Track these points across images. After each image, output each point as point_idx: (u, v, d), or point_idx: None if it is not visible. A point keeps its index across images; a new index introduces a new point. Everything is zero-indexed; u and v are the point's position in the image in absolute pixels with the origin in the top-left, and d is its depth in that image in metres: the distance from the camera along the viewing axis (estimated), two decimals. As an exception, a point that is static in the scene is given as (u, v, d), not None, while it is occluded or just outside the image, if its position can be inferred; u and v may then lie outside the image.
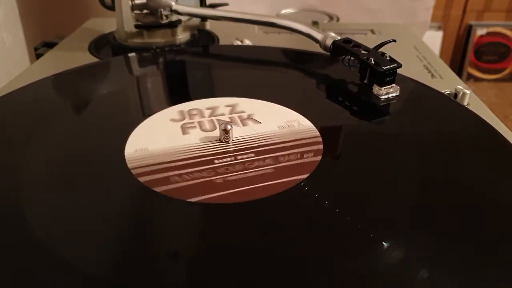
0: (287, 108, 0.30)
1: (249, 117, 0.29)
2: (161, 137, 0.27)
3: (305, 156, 0.24)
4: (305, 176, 0.23)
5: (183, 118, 0.29)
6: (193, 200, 0.21)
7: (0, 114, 0.30)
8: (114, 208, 0.22)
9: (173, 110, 0.30)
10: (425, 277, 0.17)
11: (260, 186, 0.22)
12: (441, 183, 0.23)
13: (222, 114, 0.29)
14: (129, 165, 0.24)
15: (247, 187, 0.22)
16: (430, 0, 0.76)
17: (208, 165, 0.24)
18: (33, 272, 0.18)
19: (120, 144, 0.26)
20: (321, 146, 0.26)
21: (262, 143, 0.26)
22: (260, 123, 0.28)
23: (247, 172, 0.23)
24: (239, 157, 0.25)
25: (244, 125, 0.28)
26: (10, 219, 0.20)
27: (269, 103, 0.31)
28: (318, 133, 0.27)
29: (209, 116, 0.29)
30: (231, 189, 0.22)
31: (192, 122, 0.28)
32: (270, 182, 0.22)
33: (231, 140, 0.26)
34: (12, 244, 0.19)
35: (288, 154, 0.25)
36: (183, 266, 0.19)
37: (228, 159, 0.24)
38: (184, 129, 0.28)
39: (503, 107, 1.26)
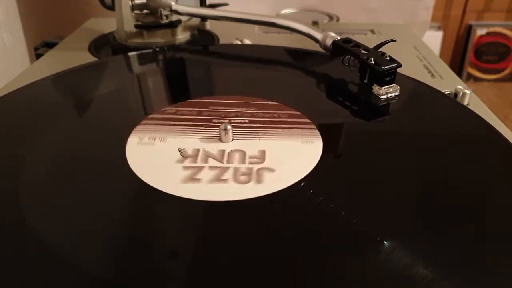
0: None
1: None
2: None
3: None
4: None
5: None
6: None
7: (0, 114, 0.30)
8: (102, 196, 0.22)
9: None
10: (425, 277, 0.17)
11: None
12: (441, 183, 0.23)
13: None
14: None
15: None
16: (430, 0, 0.76)
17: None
18: (31, 271, 0.18)
19: (123, 137, 0.26)
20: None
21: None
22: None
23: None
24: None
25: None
26: (10, 219, 0.20)
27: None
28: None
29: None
30: None
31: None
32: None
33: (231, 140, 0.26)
34: (12, 244, 0.19)
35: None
36: (161, 258, 0.19)
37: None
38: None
39: (503, 107, 1.26)
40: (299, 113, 0.29)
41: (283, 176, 0.23)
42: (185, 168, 0.24)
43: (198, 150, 0.25)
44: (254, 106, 0.30)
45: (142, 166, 0.24)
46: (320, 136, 0.27)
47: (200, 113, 0.29)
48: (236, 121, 0.28)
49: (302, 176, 0.23)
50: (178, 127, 0.28)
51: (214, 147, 0.26)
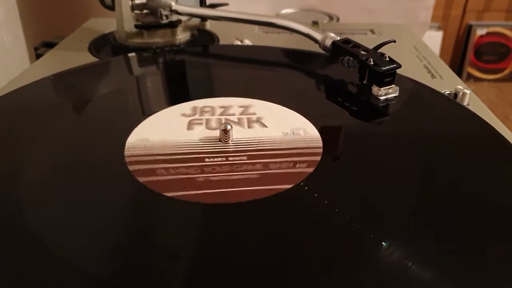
0: (299, 115, 0.29)
1: (258, 120, 0.28)
2: (166, 130, 0.27)
3: (297, 166, 0.24)
4: (288, 186, 0.22)
5: (194, 114, 0.29)
6: (168, 194, 0.22)
7: (0, 114, 0.30)
8: (101, 196, 0.22)
9: (187, 106, 0.30)
10: (425, 277, 0.17)
11: (238, 190, 0.22)
12: (441, 183, 0.23)
13: (233, 114, 0.29)
14: (126, 153, 0.25)
15: (225, 190, 0.22)
16: (430, 0, 0.76)
17: (197, 162, 0.24)
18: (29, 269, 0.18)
19: (124, 134, 0.27)
20: (318, 158, 0.25)
21: (260, 147, 0.26)
22: (266, 127, 0.28)
23: (232, 174, 0.23)
24: (231, 158, 0.25)
25: (250, 127, 0.28)
26: (11, 218, 0.21)
27: (284, 108, 0.30)
28: (320, 144, 0.26)
29: (219, 115, 0.29)
30: (208, 189, 0.22)
31: (201, 119, 0.28)
32: (249, 188, 0.22)
33: (230, 140, 0.26)
34: (11, 243, 0.19)
35: (281, 162, 0.24)
36: (160, 258, 0.19)
37: (219, 159, 0.24)
38: (190, 125, 0.28)
39: (503, 107, 1.26)
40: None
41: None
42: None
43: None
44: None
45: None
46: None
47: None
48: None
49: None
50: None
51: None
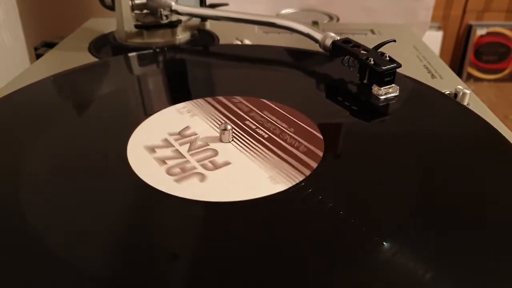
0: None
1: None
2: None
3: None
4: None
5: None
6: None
7: (0, 114, 0.30)
8: (103, 196, 0.23)
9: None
10: (425, 277, 0.17)
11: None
12: (441, 183, 0.23)
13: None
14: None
15: None
16: (430, 0, 0.76)
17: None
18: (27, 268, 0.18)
19: (125, 132, 0.27)
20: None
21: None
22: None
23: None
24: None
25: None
26: (11, 218, 0.21)
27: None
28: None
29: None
30: None
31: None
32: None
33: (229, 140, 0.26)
34: (11, 243, 0.19)
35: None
36: (160, 258, 0.19)
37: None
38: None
39: (503, 107, 1.26)
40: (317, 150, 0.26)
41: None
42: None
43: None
44: (294, 127, 0.28)
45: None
46: (289, 181, 0.23)
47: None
48: (258, 131, 0.28)
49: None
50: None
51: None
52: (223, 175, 0.24)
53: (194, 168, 0.24)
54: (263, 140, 0.27)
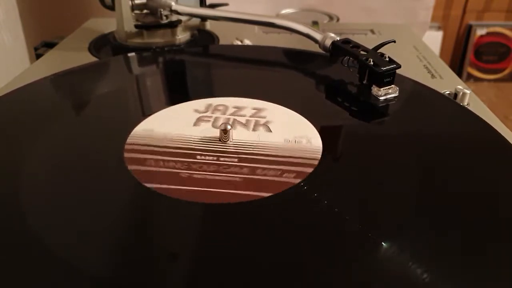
0: (310, 124, 0.28)
1: (265, 124, 0.28)
2: (173, 123, 0.28)
3: (284, 175, 0.23)
4: (265, 195, 0.22)
5: (206, 111, 0.29)
6: (147, 185, 0.22)
7: (0, 114, 0.30)
8: (100, 196, 0.23)
9: (203, 102, 0.31)
10: (425, 277, 0.17)
11: (215, 191, 0.22)
12: (441, 183, 0.23)
13: (243, 116, 0.29)
14: (128, 141, 0.26)
15: (203, 188, 0.22)
16: (430, 0, 0.76)
17: (188, 158, 0.24)
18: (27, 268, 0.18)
19: (127, 127, 0.27)
20: (309, 170, 0.24)
21: (254, 152, 0.25)
22: (271, 132, 0.27)
23: (216, 174, 0.23)
24: (222, 158, 0.24)
25: (254, 130, 0.27)
26: (11, 218, 0.21)
27: (297, 114, 0.29)
28: (319, 156, 0.25)
29: (230, 114, 0.29)
30: (187, 186, 0.22)
31: (210, 117, 0.29)
32: (227, 191, 0.22)
33: (229, 140, 0.26)
34: (12, 243, 0.19)
35: (268, 169, 0.23)
36: (160, 258, 0.19)
37: (210, 158, 0.25)
38: (198, 121, 0.28)
39: (503, 107, 1.26)
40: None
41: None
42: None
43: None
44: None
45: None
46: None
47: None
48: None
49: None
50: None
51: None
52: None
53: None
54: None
